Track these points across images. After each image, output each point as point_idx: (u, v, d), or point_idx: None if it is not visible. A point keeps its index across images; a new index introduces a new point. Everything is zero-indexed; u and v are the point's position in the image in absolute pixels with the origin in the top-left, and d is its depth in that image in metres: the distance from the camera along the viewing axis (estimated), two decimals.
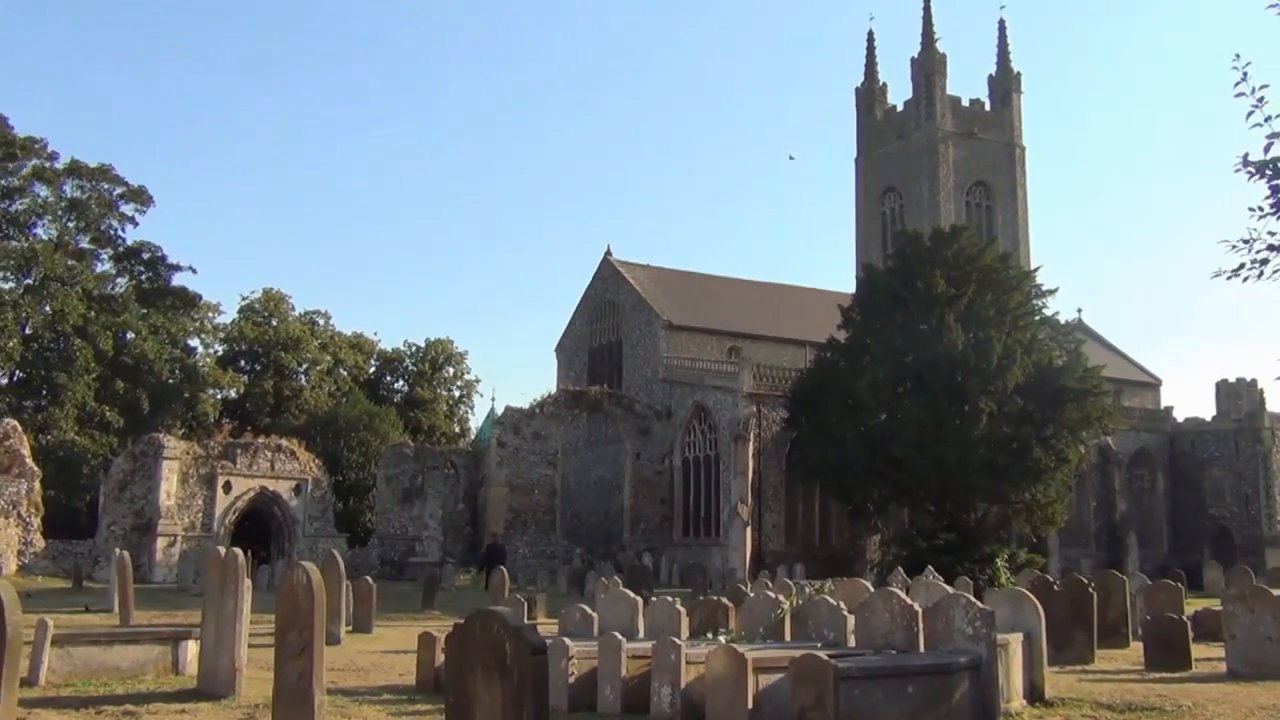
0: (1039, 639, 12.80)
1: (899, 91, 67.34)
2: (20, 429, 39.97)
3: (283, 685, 9.40)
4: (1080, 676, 15.06)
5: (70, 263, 53.47)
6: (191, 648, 13.99)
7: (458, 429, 70.41)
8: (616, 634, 12.52)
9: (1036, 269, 43.70)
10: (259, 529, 43.43)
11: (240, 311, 64.43)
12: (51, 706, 11.47)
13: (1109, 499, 50.85)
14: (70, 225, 56.26)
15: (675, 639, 12.15)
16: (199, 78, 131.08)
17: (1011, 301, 37.83)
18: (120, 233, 57.55)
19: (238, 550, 13.06)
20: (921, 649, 11.43)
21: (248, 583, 12.79)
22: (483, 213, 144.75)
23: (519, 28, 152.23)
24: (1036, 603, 13.25)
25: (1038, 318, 39.90)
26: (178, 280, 58.90)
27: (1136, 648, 18.09)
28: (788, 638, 14.07)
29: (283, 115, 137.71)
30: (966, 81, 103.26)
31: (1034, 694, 12.49)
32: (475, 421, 71.59)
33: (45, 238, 54.92)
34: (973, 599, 11.94)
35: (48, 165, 54.67)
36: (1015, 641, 12.20)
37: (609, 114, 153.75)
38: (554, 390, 51.54)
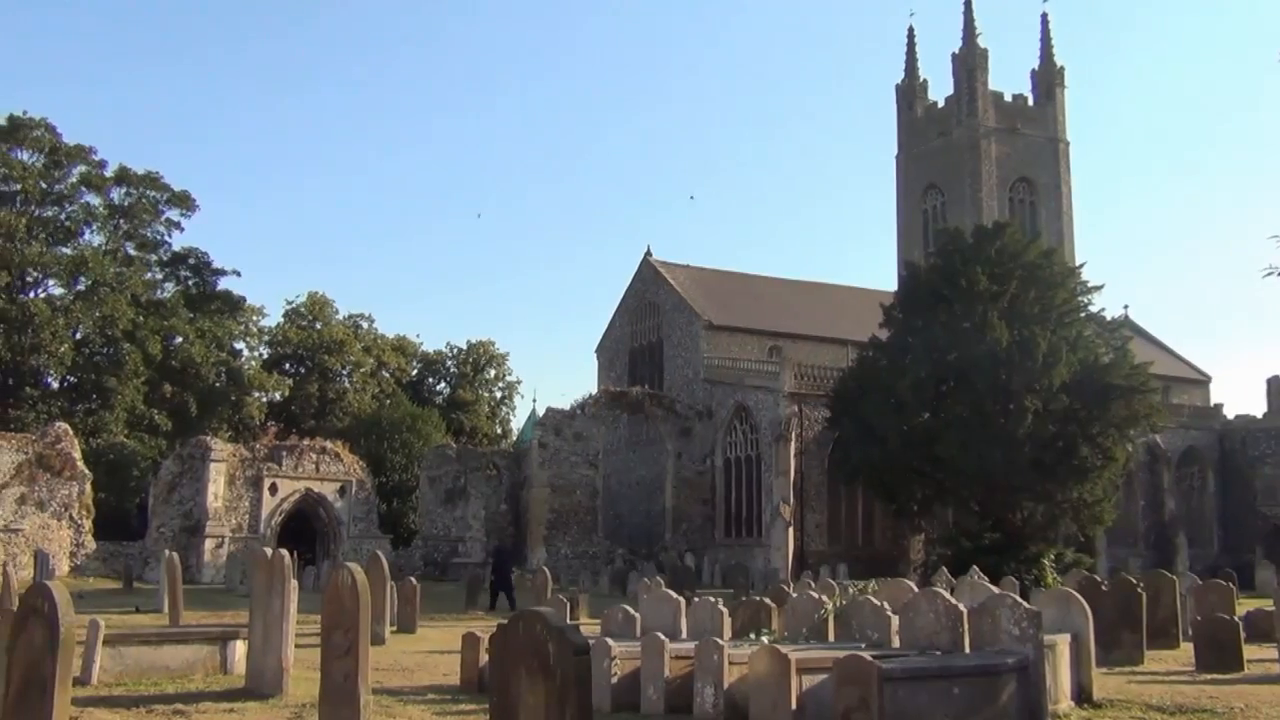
0: (1087, 640, 12.65)
1: (940, 88, 66.85)
2: (72, 432, 40.70)
3: (329, 685, 9.50)
4: (1129, 678, 14.86)
5: (119, 269, 54.35)
6: (239, 648, 14.16)
7: (499, 430, 70.77)
8: (659, 634, 12.52)
9: (1081, 265, 43.13)
10: (305, 530, 43.91)
11: (285, 315, 65.26)
12: (104, 705, 11.66)
13: (1158, 498, 50.16)
14: (118, 231, 57.16)
15: (718, 639, 12.14)
16: (241, 81, 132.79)
17: (1056, 298, 37.40)
18: (167, 238, 58.53)
19: (284, 551, 13.20)
20: (967, 650, 11.33)
21: (294, 583, 12.93)
22: (524, 214, 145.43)
23: (558, 28, 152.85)
24: (1084, 603, 13.09)
25: (1083, 314, 39.39)
26: (223, 284, 59.82)
27: (1187, 649, 17.83)
28: (831, 638, 14.00)
29: (326, 117, 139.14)
30: (1009, 76, 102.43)
31: (1082, 695, 12.35)
32: (517, 423, 72.04)
33: (94, 244, 55.85)
34: (1019, 599, 11.82)
35: (96, 172, 55.61)
36: (1062, 642, 12.07)
37: (649, 114, 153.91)
38: (595, 391, 51.64)
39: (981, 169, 62.32)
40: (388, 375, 67.18)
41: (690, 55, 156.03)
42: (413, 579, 25.19)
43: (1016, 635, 10.90)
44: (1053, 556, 34.97)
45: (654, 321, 55.76)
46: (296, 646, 12.94)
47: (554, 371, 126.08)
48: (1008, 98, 64.78)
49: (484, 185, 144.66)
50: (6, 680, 8.20)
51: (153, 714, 11.38)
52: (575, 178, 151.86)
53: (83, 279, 53.28)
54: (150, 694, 12.54)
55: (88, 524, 39.25)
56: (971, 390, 35.58)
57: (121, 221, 57.05)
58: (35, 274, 53.43)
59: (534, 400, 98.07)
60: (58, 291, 53.69)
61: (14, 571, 26.70)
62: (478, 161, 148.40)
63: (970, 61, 63.91)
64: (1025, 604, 11.56)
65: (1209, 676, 15.10)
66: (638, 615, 15.54)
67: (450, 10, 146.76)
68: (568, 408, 47.84)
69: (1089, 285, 40.59)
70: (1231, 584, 23.96)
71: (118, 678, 13.36)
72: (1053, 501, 36.68)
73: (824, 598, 15.37)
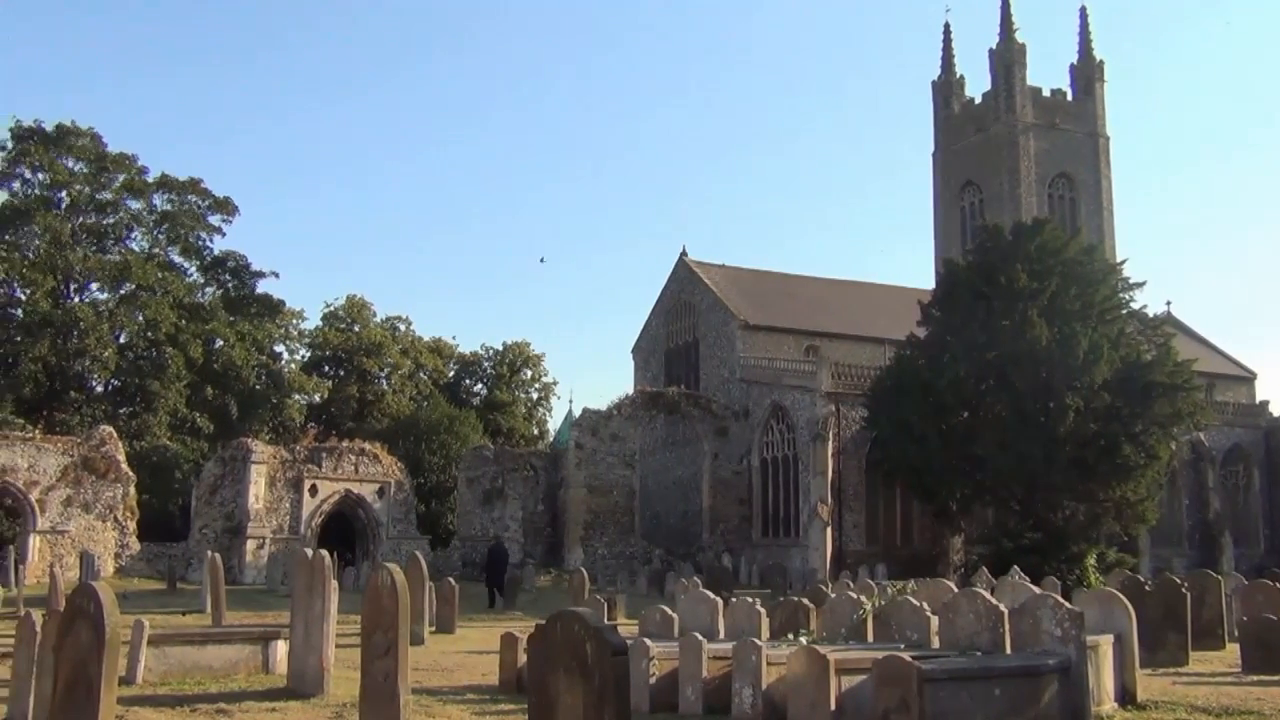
0: (1130, 641, 12.50)
1: (977, 84, 66.38)
2: (116, 435, 41.26)
3: (370, 685, 9.57)
4: (1174, 679, 14.66)
5: (161, 273, 55.05)
6: (281, 647, 14.29)
7: (536, 431, 70.96)
8: (697, 635, 12.51)
9: (1123, 262, 42.67)
10: (344, 531, 44.25)
11: (324, 318, 65.83)
12: (149, 704, 11.81)
13: (1202, 496, 49.47)
14: (161, 237, 57.90)
15: (756, 640, 12.10)
16: (280, 87, 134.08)
17: (1097, 295, 37.00)
18: (208, 243, 59.14)
19: (324, 552, 13.31)
20: (1008, 651, 11.23)
21: (334, 584, 13.03)
22: (559, 216, 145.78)
23: (593, 27, 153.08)
24: (1127, 603, 12.95)
25: (1125, 311, 38.96)
26: (262, 287, 60.30)
27: (1233, 650, 17.58)
28: (870, 639, 13.93)
29: (362, 121, 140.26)
30: (1047, 71, 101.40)
31: (1125, 697, 12.20)
32: (553, 424, 72.17)
33: (137, 250, 56.61)
34: (1060, 600, 11.70)
35: (139, 179, 56.36)
36: (1105, 643, 11.93)
37: (684, 113, 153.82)
38: (631, 391, 51.65)
39: (1020, 165, 61.76)
40: (425, 377, 67.57)
41: (726, 53, 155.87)
42: (451, 580, 25.31)
43: (1058, 636, 10.79)
44: (1095, 556, 34.62)
45: (690, 321, 55.70)
46: (337, 646, 13.03)
47: (590, 372, 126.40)
48: (1046, 93, 64.17)
49: (520, 186, 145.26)
50: (53, 680, 8.33)
51: (196, 713, 11.51)
52: (610, 178, 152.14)
53: (126, 284, 53.99)
54: (194, 693, 12.68)
55: (132, 525, 39.77)
56: (1011, 389, 35.28)
57: (164, 227, 57.77)
58: (80, 279, 54.26)
59: (570, 401, 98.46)
60: (102, 296, 54.48)
61: (60, 572, 27.19)
62: (514, 162, 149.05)
63: (1008, 57, 63.36)
64: (1067, 604, 11.44)
65: (1255, 678, 14.87)
66: (675, 616, 15.54)
67: (484, 11, 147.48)
68: (604, 408, 47.88)
69: (1130, 282, 40.19)
70: (1278, 584, 23.59)
71: (162, 677, 13.53)
72: (1095, 501, 36.30)
73: (862, 598, 15.29)
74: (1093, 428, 34.88)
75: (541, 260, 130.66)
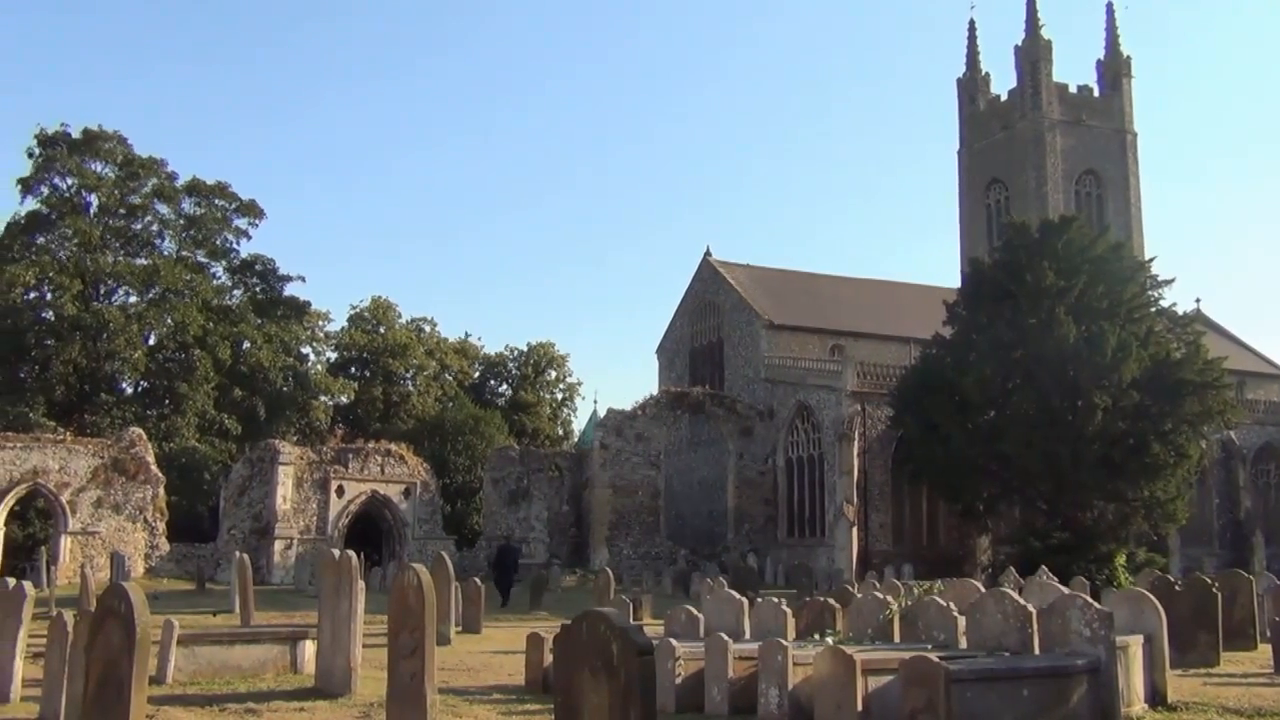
0: (1160, 641, 12.39)
1: (1002, 81, 65.91)
2: (145, 437, 41.64)
3: (396, 684, 9.61)
4: (1205, 680, 14.52)
5: (189, 276, 55.52)
6: (309, 647, 14.38)
7: (561, 431, 71.09)
8: (723, 635, 12.50)
9: (1151, 259, 42.30)
10: (370, 531, 44.46)
11: (349, 319, 66.18)
12: (179, 704, 11.91)
13: (1233, 496, 48.98)
14: (189, 240, 58.38)
15: (782, 640, 12.08)
16: (304, 89, 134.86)
17: (1125, 293, 36.70)
18: (235, 246, 59.59)
19: (351, 553, 13.38)
20: (1036, 651, 11.16)
21: (361, 584, 13.10)
22: (583, 216, 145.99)
23: (616, 26, 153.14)
24: (1157, 604, 12.84)
25: (1153, 309, 38.61)
26: (289, 290, 60.72)
27: (1265, 650, 17.38)
28: (896, 639, 13.87)
29: (385, 123, 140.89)
30: (1073, 67, 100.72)
31: (1156, 698, 12.10)
32: (578, 424, 72.30)
33: (166, 253, 57.10)
34: (1089, 600, 11.61)
35: (167, 183, 56.86)
36: (1135, 644, 11.83)
37: (708, 112, 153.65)
38: (656, 392, 51.65)
39: (1046, 162, 61.32)
40: (450, 378, 67.82)
41: (750, 51, 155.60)
42: (477, 580, 25.37)
43: (1087, 636, 10.71)
44: (1124, 556, 34.32)
45: (714, 321, 55.64)
46: (364, 646, 13.10)
47: (615, 373, 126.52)
48: (1072, 89, 63.68)
49: (544, 187, 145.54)
50: (85, 679, 8.41)
51: (225, 712, 11.60)
52: (634, 177, 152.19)
53: (155, 287, 54.47)
54: (223, 693, 12.79)
55: (162, 526, 40.12)
56: (1038, 387, 35.05)
57: (192, 231, 58.26)
58: (110, 283, 54.79)
59: (595, 401, 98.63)
60: (131, 299, 54.98)
61: (91, 573, 27.43)
62: (538, 163, 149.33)
63: (1033, 53, 62.91)
64: (1096, 604, 11.36)
65: None
66: (701, 616, 15.52)
67: (507, 8, 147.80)
68: (629, 408, 47.90)
69: (1159, 279, 39.82)
70: None
71: (192, 677, 13.64)
72: (1124, 500, 36.00)
73: (889, 598, 15.23)
74: (1121, 426, 34.60)
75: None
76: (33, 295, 51.54)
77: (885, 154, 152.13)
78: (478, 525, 50.63)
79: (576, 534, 47.83)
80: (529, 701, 12.81)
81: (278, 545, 40.47)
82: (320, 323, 64.22)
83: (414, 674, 9.42)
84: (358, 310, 66.53)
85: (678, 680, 12.17)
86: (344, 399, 62.56)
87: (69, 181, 54.22)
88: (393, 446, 45.57)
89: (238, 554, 26.79)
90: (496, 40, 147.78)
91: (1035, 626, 11.30)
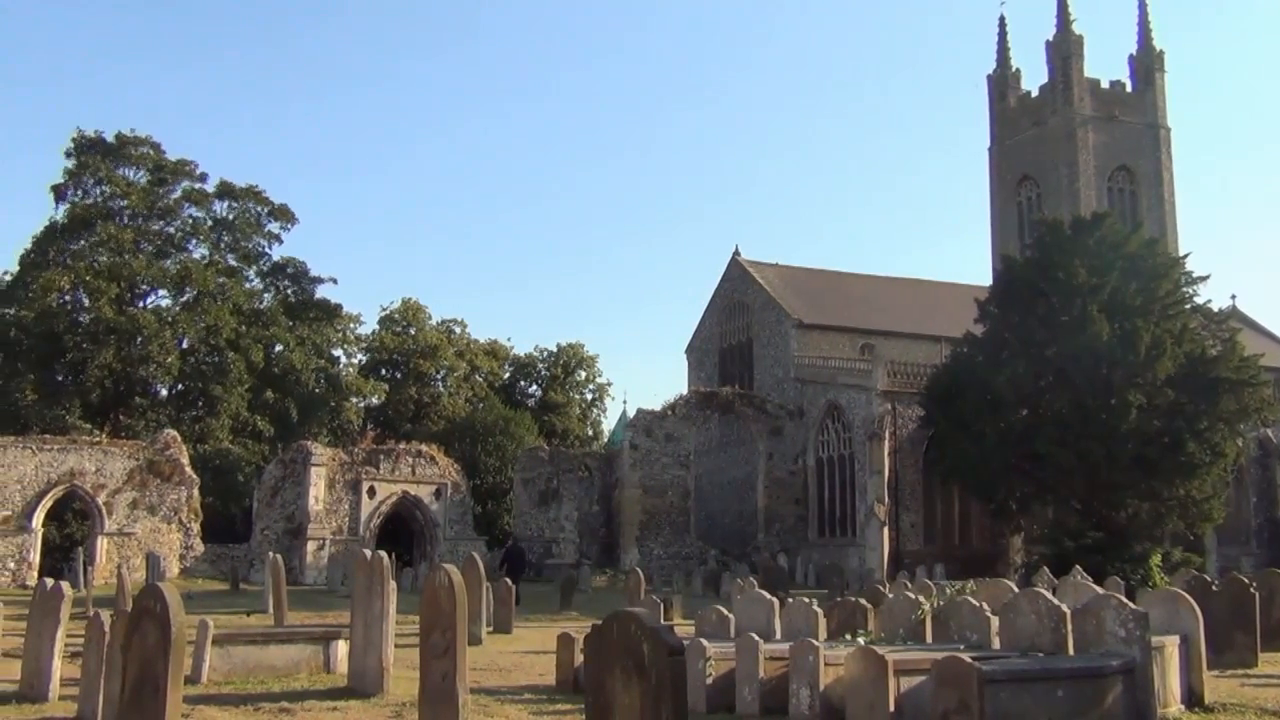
0: (1197, 641, 12.26)
1: (1033, 77, 65.33)
2: (180, 439, 42.08)
3: (428, 684, 9.66)
4: (1242, 681, 14.35)
5: (221, 280, 56.06)
6: (341, 647, 14.47)
7: (591, 432, 71.22)
8: (753, 635, 12.48)
9: (1186, 255, 41.82)
10: (402, 532, 44.70)
11: (380, 321, 66.65)
12: (213, 703, 12.02)
13: (1270, 494, 48.26)
14: (221, 244, 58.92)
15: (813, 640, 12.04)
16: (336, 93, 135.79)
17: (1159, 290, 36.31)
18: (267, 249, 60.11)
19: (383, 553, 13.46)
20: (1070, 652, 11.06)
21: (393, 585, 13.17)
22: (612, 217, 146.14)
23: (642, 24, 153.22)
24: (1193, 604, 12.69)
25: (1188, 306, 38.17)
26: (320, 293, 61.20)
27: None
28: (928, 640, 13.79)
29: (417, 125, 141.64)
30: (1105, 63, 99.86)
31: (1192, 699, 11.96)
32: (608, 424, 72.42)
33: (198, 256, 57.68)
34: (1124, 600, 11.50)
35: (199, 187, 57.45)
36: (1171, 644, 11.71)
37: (736, 111, 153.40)
38: (685, 392, 51.64)
39: (1078, 158, 60.73)
40: (480, 379, 68.10)
41: (778, 49, 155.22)
42: (508, 579, 25.45)
43: (1122, 637, 10.61)
44: (1160, 556, 33.93)
45: (743, 321, 55.57)
46: (396, 646, 13.17)
47: (644, 373, 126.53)
48: (1105, 84, 63.04)
49: (572, 188, 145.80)
50: (122, 678, 8.51)
51: (260, 712, 11.69)
52: (663, 178, 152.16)
53: (188, 290, 55.06)
54: (257, 692, 12.89)
55: (196, 527, 40.52)
56: (1071, 386, 34.75)
57: (224, 234, 58.80)
58: (144, 286, 55.39)
59: (624, 402, 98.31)
60: (165, 303, 55.60)
61: (127, 573, 27.72)
62: (566, 164, 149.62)
63: (1065, 49, 62.33)
64: (1131, 604, 11.25)
65: None
66: (731, 616, 15.50)
67: (534, 10, 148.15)
68: (658, 409, 47.91)
69: (1194, 276, 39.35)
70: None
71: (226, 676, 13.76)
72: (1159, 499, 35.62)
73: (921, 598, 15.14)
74: (1156, 424, 34.24)
75: None
76: (68, 299, 52.18)
77: (916, 152, 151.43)
78: (508, 526, 50.80)
79: (606, 534, 47.90)
80: (560, 702, 12.83)
81: (310, 546, 40.75)
82: (351, 325, 64.76)
83: (446, 674, 9.47)
84: (388, 312, 67.01)
85: (709, 680, 12.16)
86: (375, 400, 62.97)
87: (103, 186, 54.87)
88: (424, 447, 45.81)
89: (271, 554, 27.01)
90: (523, 41, 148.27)
91: (1069, 627, 11.20)
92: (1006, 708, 9.36)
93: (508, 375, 71.86)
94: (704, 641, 12.74)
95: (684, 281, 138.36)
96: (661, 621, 15.41)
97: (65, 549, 40.24)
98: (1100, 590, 15.78)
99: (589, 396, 73.32)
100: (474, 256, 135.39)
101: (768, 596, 16.03)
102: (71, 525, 43.30)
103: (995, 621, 12.38)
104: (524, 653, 18.34)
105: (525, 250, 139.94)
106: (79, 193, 54.84)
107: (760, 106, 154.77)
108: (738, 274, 56.38)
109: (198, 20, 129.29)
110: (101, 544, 38.26)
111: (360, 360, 66.00)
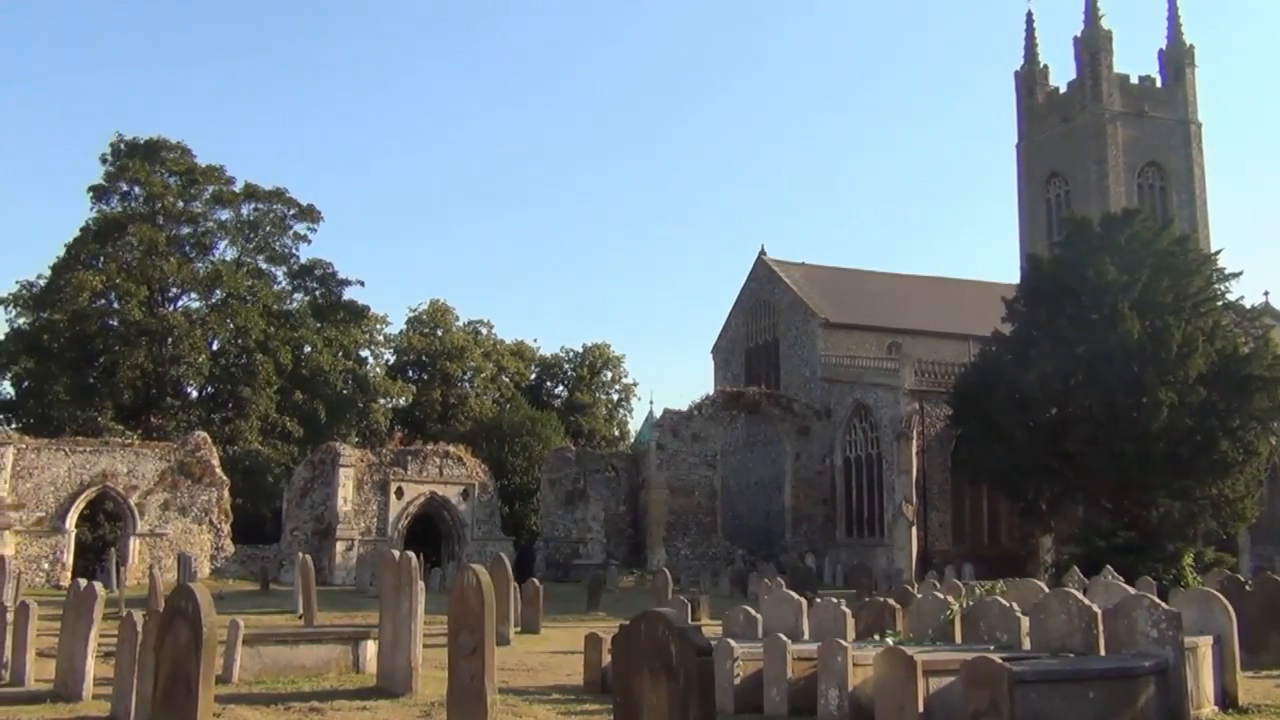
0: (1230, 642, 12.12)
1: (1061, 73, 64.78)
2: (210, 441, 42.45)
3: (457, 684, 9.69)
4: (1277, 682, 14.18)
5: (250, 281, 56.49)
6: (370, 647, 14.55)
7: (617, 432, 71.27)
8: (781, 635, 12.45)
9: (1217, 252, 41.39)
10: (430, 532, 44.91)
11: (407, 323, 66.99)
12: (244, 702, 12.11)
13: None
14: (249, 245, 59.37)
15: (841, 640, 12.00)
16: (362, 95, 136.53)
17: (1191, 287, 35.95)
18: (294, 251, 60.52)
19: (411, 554, 13.53)
20: (1102, 653, 10.97)
21: (421, 585, 13.23)
22: (638, 217, 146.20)
23: (665, 22, 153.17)
24: (1227, 604, 12.56)
25: (1220, 303, 37.78)
26: (347, 294, 61.50)
27: None
28: (958, 640, 13.71)
29: (441, 127, 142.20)
30: (1134, 58, 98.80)
31: (1226, 700, 11.83)
32: (634, 424, 72.46)
33: (227, 259, 58.16)
34: (1157, 600, 11.40)
35: (227, 190, 57.87)
36: (1204, 645, 11.59)
37: (762, 110, 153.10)
38: (712, 392, 51.59)
39: (1108, 155, 60.19)
40: (507, 380, 68.29)
41: (804, 47, 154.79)
42: (535, 580, 25.51)
43: (1155, 637, 10.51)
44: (1192, 555, 33.58)
45: (770, 321, 55.47)
46: (425, 646, 13.23)
47: (670, 373, 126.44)
48: (1134, 80, 62.45)
49: (598, 188, 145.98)
50: (154, 678, 8.59)
51: (290, 711, 11.77)
52: (689, 177, 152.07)
53: (217, 292, 55.54)
54: (287, 692, 12.97)
55: (226, 528, 40.86)
56: (1101, 384, 34.46)
57: (252, 236, 59.24)
58: (174, 289, 55.91)
59: (651, 402, 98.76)
60: (195, 305, 56.08)
61: (159, 574, 28.00)
62: (592, 165, 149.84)
63: (1093, 44, 61.79)
64: (1164, 604, 11.15)
65: None
66: (759, 616, 15.47)
67: (558, 6, 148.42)
68: (685, 409, 47.89)
69: (1226, 272, 38.97)
70: None
71: (257, 676, 13.87)
72: (1191, 498, 35.27)
73: (950, 598, 15.07)
74: (1188, 423, 33.90)
75: None
76: (100, 302, 52.72)
77: (943, 150, 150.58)
78: (535, 526, 50.91)
79: (633, 534, 47.91)
80: (588, 702, 12.85)
81: (339, 546, 41.01)
82: (379, 326, 65.11)
83: (474, 674, 9.50)
84: (416, 313, 67.33)
85: (736, 681, 12.14)
86: (403, 401, 63.28)
87: (137, 190, 55.44)
88: (451, 448, 46.02)
89: (300, 555, 27.22)
90: (548, 39, 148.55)
91: (1101, 627, 11.12)
92: (1037, 709, 9.29)
93: (534, 376, 72.03)
94: (732, 642, 12.72)
95: (710, 282, 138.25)
96: (689, 622, 15.40)
97: (98, 550, 40.70)
98: (1132, 590, 15.64)
99: (615, 397, 73.43)
100: (501, 258, 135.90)
101: (795, 597, 15.98)
102: (104, 526, 43.78)
103: (1025, 622, 12.30)
104: (552, 653, 18.37)
105: (552, 251, 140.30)
106: (116, 196, 55.44)
107: (787, 105, 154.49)
108: (764, 274, 56.29)
109: (220, 22, 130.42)
110: (133, 545, 38.66)
111: (388, 361, 66.36)
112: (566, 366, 72.37)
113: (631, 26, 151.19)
